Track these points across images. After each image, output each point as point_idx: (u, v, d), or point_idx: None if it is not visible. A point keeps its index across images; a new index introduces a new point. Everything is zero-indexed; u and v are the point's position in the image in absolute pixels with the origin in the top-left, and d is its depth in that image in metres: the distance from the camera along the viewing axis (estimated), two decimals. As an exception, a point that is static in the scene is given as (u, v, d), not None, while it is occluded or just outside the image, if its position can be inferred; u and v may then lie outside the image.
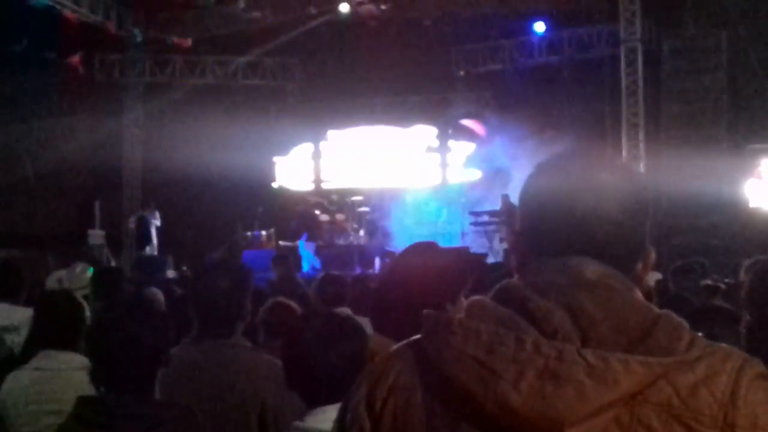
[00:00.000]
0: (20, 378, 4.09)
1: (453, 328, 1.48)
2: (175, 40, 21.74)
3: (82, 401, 2.96)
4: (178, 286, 9.02)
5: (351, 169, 21.59)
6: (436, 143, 21.28)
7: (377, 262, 17.14)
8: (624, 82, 18.66)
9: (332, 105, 21.37)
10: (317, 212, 20.15)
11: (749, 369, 1.43)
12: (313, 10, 20.77)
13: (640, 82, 18.53)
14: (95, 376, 2.98)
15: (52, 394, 3.97)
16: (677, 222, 17.30)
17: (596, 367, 1.37)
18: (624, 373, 1.37)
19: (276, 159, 21.88)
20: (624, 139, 18.59)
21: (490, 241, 18.35)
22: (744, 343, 2.28)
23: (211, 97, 21.50)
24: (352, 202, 20.46)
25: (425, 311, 1.56)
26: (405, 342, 1.62)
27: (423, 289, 2.83)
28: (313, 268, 16.78)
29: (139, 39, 21.84)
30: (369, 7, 20.54)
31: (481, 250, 16.86)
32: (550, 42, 20.58)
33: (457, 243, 18.05)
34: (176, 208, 20.18)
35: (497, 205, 18.49)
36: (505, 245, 17.12)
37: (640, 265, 1.59)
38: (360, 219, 19.99)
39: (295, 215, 19.92)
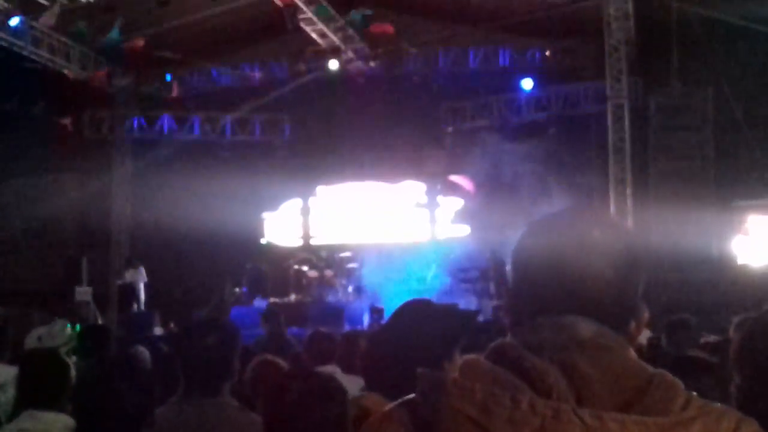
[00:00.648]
0: (4, 439, 4.01)
1: (448, 388, 1.46)
2: (165, 97, 21.83)
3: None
4: (166, 344, 8.92)
5: (340, 225, 21.59)
6: (424, 199, 21.31)
7: (366, 318, 17.03)
8: (611, 139, 18.72)
9: (321, 161, 21.42)
10: (305, 268, 20.09)
11: (744, 428, 1.43)
12: (302, 67, 20.90)
13: (627, 138, 18.61)
14: None
15: (35, 455, 3.88)
16: (664, 278, 17.26)
17: (592, 427, 1.36)
18: None
19: (265, 215, 21.85)
20: (611, 195, 18.62)
21: (479, 298, 18.27)
22: (736, 403, 2.24)
23: (200, 153, 21.53)
24: (341, 258, 20.41)
25: (419, 370, 1.55)
26: (400, 401, 1.61)
27: (417, 346, 2.81)
28: None
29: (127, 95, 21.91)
30: (358, 64, 20.69)
31: (469, 307, 16.76)
32: (537, 99, 20.73)
33: (445, 299, 17.96)
34: (164, 265, 20.09)
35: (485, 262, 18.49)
36: (493, 302, 17.05)
37: (633, 324, 1.58)
38: (349, 275, 19.92)
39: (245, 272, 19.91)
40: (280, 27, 18.83)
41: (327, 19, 19.08)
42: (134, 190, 21.83)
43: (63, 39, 19.31)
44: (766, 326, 2.26)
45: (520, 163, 19.43)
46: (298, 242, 21.82)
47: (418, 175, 21.34)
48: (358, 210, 21.54)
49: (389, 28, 19.42)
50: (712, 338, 7.92)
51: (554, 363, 1.45)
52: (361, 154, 21.25)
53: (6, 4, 17.33)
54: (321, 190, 21.80)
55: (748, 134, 17.68)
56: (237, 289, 19.82)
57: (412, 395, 1.56)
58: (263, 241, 21.84)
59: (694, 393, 1.49)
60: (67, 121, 20.85)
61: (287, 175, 21.50)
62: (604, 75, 18.85)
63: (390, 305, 13.42)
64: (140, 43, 19.24)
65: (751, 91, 17.81)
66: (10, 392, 4.82)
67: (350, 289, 19.57)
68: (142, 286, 19.56)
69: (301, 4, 18.01)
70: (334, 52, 20.32)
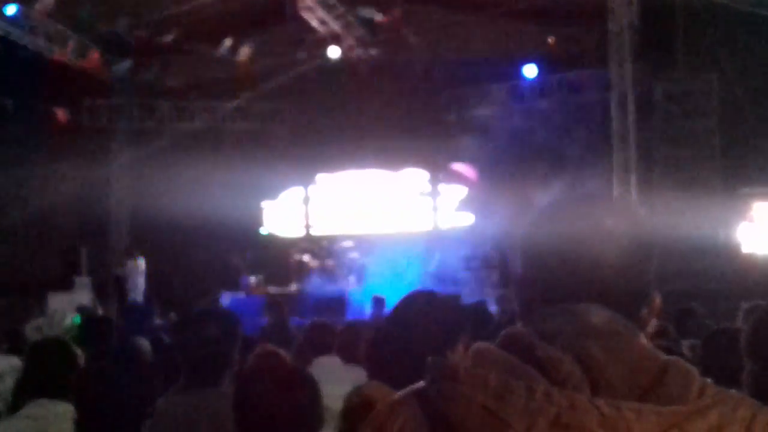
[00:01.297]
0: (13, 427, 4.04)
1: (461, 376, 1.45)
2: (163, 85, 21.77)
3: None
4: (166, 334, 8.87)
5: (341, 214, 21.51)
6: (427, 188, 21.24)
7: (368, 308, 16.98)
8: (615, 126, 18.64)
9: (322, 149, 21.31)
10: (306, 258, 20.04)
11: (761, 417, 1.43)
12: (302, 54, 20.80)
13: (632, 126, 18.53)
14: (80, 427, 2.97)
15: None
16: (669, 267, 17.13)
17: (609, 416, 1.36)
18: (637, 423, 1.36)
19: (264, 204, 21.77)
20: (616, 184, 18.55)
21: (483, 286, 18.23)
22: (748, 390, 2.20)
23: (200, 142, 21.44)
24: (342, 247, 20.36)
25: (430, 358, 1.53)
26: (409, 389, 1.59)
27: (422, 337, 2.80)
28: None
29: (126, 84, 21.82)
30: (359, 51, 20.59)
31: (474, 296, 16.72)
32: (541, 86, 20.63)
33: (448, 289, 17.91)
34: (163, 254, 20.00)
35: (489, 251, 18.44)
36: (497, 291, 17.00)
37: (645, 311, 1.58)
38: (350, 265, 19.87)
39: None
40: (280, 14, 18.76)
41: (327, 7, 19.00)
42: (133, 180, 21.74)
43: (60, 27, 19.21)
44: None
45: (523, 150, 19.38)
46: (298, 232, 21.74)
47: (420, 163, 21.26)
48: (360, 199, 21.46)
49: (397, 13, 19.31)
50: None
51: (568, 351, 1.44)
52: (362, 142, 21.14)
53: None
54: (321, 177, 21.70)
55: (754, 121, 17.60)
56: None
57: (420, 383, 1.55)
58: (262, 231, 21.76)
59: (709, 380, 1.47)
60: (64, 110, 20.79)
61: (287, 163, 21.41)
62: (607, 62, 18.77)
63: (392, 295, 13.36)
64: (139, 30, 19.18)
65: (756, 78, 17.75)
66: (9, 382, 4.85)
67: (352, 278, 19.53)
68: (140, 279, 19.40)
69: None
70: (335, 39, 20.23)
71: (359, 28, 20.05)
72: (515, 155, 19.20)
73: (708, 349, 5.33)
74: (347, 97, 21.15)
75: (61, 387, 3.99)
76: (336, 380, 3.91)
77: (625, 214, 1.62)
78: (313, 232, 21.59)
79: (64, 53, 19.52)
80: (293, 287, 19.38)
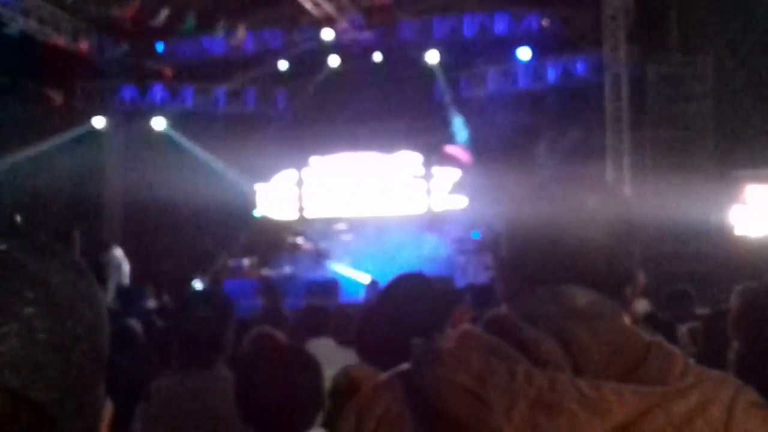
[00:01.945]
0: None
1: (443, 358, 1.46)
2: (156, 67, 21.67)
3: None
4: (159, 317, 8.88)
5: (334, 197, 21.50)
6: (420, 170, 21.22)
7: (362, 291, 16.99)
8: (608, 109, 18.63)
9: (315, 131, 21.26)
10: (300, 240, 20.04)
11: (743, 397, 1.43)
12: (296, 37, 20.74)
13: (625, 109, 18.52)
14: None
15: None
16: (662, 249, 17.28)
17: (589, 397, 1.36)
18: (618, 403, 1.36)
19: (257, 186, 21.73)
20: (609, 166, 18.55)
21: (476, 269, 18.25)
22: (733, 369, 2.20)
23: (192, 124, 21.39)
24: (336, 230, 20.36)
25: (414, 340, 1.54)
26: (393, 371, 1.60)
27: (410, 319, 2.79)
28: None
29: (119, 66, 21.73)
30: (353, 34, 20.51)
31: (467, 279, 16.75)
32: (534, 68, 20.58)
33: (442, 271, 17.94)
34: (157, 236, 19.99)
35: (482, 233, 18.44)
36: (491, 273, 17.02)
37: (629, 290, 1.59)
38: (344, 247, 19.87)
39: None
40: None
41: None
42: (126, 162, 21.69)
43: (52, 9, 19.12)
44: (763, 295, 2.22)
45: (516, 133, 19.36)
46: (292, 214, 21.72)
47: (413, 146, 21.23)
48: (353, 181, 21.44)
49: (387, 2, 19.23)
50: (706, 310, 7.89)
51: (551, 333, 1.45)
52: (356, 124, 21.10)
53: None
54: (315, 160, 21.66)
55: (748, 104, 17.58)
56: (230, 262, 19.77)
57: (406, 365, 1.56)
58: (256, 213, 21.74)
59: (692, 360, 1.48)
60: (57, 93, 20.71)
61: (280, 146, 21.37)
62: (601, 44, 18.73)
63: (386, 278, 13.32)
64: (131, 12, 19.06)
65: (751, 60, 17.70)
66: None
67: (346, 261, 19.52)
68: (120, 269, 19.13)
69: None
70: (328, 21, 20.14)
71: (353, 11, 19.96)
72: (509, 138, 19.18)
73: (709, 332, 5.34)
74: (341, 80, 21.07)
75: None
76: (330, 362, 3.92)
77: (607, 194, 1.61)
78: (307, 215, 21.58)
79: (57, 36, 19.43)
80: (287, 270, 19.37)
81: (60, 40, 19.55)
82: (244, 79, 21.84)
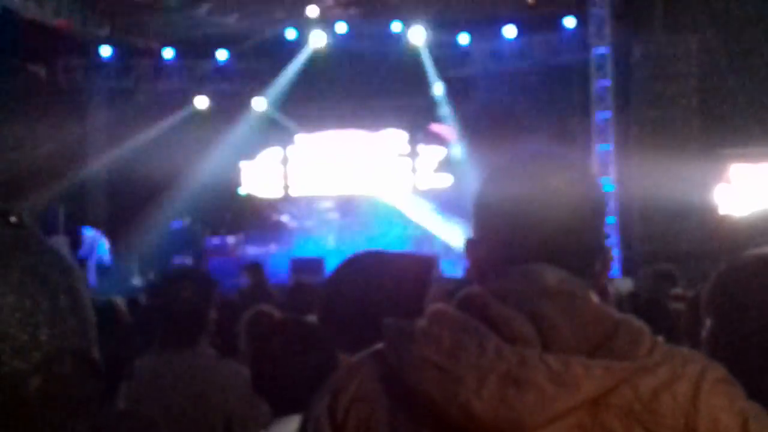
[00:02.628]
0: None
1: (415, 336, 1.49)
2: (141, 44, 21.57)
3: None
4: (143, 295, 8.88)
5: (319, 175, 21.47)
6: (406, 148, 21.21)
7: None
8: (593, 87, 18.65)
9: (300, 109, 21.20)
10: (285, 218, 20.03)
11: (710, 373, 1.46)
12: (280, 15, 20.63)
13: (610, 87, 18.53)
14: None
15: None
16: (647, 227, 17.37)
17: (558, 371, 1.39)
18: (585, 378, 1.38)
19: (242, 164, 21.69)
20: (594, 145, 18.58)
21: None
22: (705, 348, 2.22)
23: (177, 101, 21.29)
24: (321, 208, 20.35)
25: (386, 319, 1.57)
26: (366, 352, 1.63)
27: (371, 298, 2.55)
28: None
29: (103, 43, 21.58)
30: (338, 11, 20.43)
31: (452, 257, 16.79)
32: (519, 47, 20.56)
33: (427, 249, 17.98)
34: (142, 214, 19.93)
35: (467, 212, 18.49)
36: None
37: (598, 265, 1.63)
38: (329, 226, 19.87)
39: None
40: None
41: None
42: (110, 139, 21.60)
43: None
44: (737, 272, 2.25)
45: (502, 111, 19.37)
46: (277, 192, 21.69)
47: (399, 123, 21.20)
48: (339, 159, 21.42)
49: None
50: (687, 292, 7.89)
51: (521, 310, 1.48)
52: (342, 102, 21.04)
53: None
54: (300, 138, 21.62)
55: (733, 83, 17.62)
56: (214, 240, 19.75)
57: (379, 345, 1.59)
58: (241, 191, 21.70)
59: (660, 338, 1.51)
60: (40, 69, 20.58)
61: (265, 123, 21.31)
62: (587, 23, 18.71)
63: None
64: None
65: (736, 40, 17.73)
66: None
67: (331, 239, 19.52)
68: (94, 247, 18.97)
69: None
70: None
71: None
72: (494, 116, 19.17)
73: (691, 312, 5.34)
74: (326, 57, 20.99)
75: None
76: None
77: (571, 172, 1.63)
78: (292, 193, 21.55)
79: (40, 11, 19.27)
80: (272, 248, 19.37)
81: (43, 16, 19.39)
82: (228, 56, 21.73)
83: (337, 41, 20.76)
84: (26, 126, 19.84)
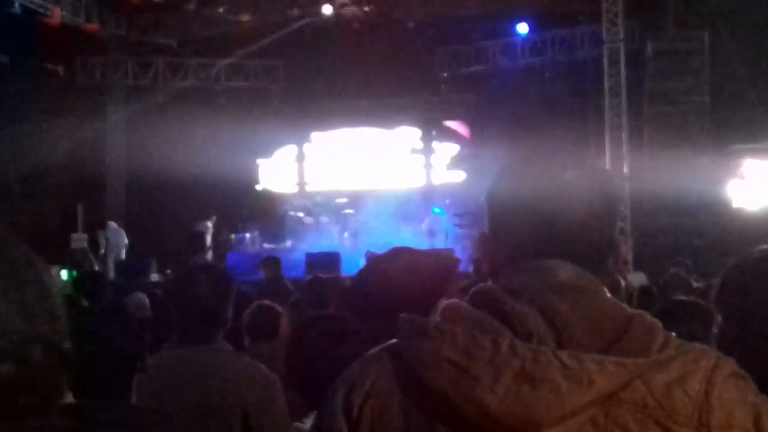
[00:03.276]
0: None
1: (429, 332, 1.48)
2: (158, 42, 21.66)
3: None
4: (161, 291, 8.92)
5: (335, 171, 21.55)
6: (420, 145, 21.26)
7: (362, 264, 17.03)
8: (607, 83, 18.61)
9: (316, 107, 21.29)
10: (301, 215, 20.11)
11: (723, 368, 1.44)
12: (296, 12, 20.70)
13: (623, 83, 18.50)
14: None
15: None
16: (660, 222, 17.33)
17: (571, 368, 1.38)
18: (599, 374, 1.37)
19: (259, 161, 21.79)
20: (607, 140, 18.57)
21: (474, 243, 18.30)
22: (716, 343, 2.25)
23: (195, 99, 21.38)
24: (337, 204, 20.42)
25: (401, 315, 1.56)
26: (381, 347, 1.62)
27: (398, 295, 2.67)
28: None
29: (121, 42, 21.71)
30: (352, 9, 20.47)
31: (466, 251, 16.83)
32: (533, 43, 20.58)
33: (440, 245, 18.03)
34: (160, 211, 20.06)
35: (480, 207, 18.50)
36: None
37: (610, 261, 1.60)
38: (344, 221, 19.94)
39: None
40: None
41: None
42: (129, 137, 21.73)
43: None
44: (747, 266, 2.27)
45: (515, 108, 19.37)
46: (293, 189, 21.78)
47: (413, 120, 21.25)
48: (354, 156, 21.50)
49: None
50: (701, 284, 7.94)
51: (534, 306, 1.46)
52: (356, 99, 21.12)
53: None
54: (316, 135, 21.71)
55: (744, 79, 17.58)
56: (233, 235, 19.85)
57: (393, 341, 1.57)
58: (258, 187, 21.79)
59: (673, 334, 1.49)
60: (59, 68, 20.71)
61: (282, 121, 21.42)
62: (600, 19, 18.69)
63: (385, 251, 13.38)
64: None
65: (747, 35, 17.68)
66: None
67: (346, 234, 19.60)
68: (110, 244, 19.10)
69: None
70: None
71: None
72: (507, 112, 19.19)
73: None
74: (341, 55, 21.05)
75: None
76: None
77: (584, 169, 1.62)
78: (308, 189, 21.64)
79: (59, 12, 19.42)
80: (288, 243, 19.45)
81: (62, 16, 19.54)
82: (245, 54, 21.79)
83: (351, 39, 20.78)
84: (46, 124, 20.02)
